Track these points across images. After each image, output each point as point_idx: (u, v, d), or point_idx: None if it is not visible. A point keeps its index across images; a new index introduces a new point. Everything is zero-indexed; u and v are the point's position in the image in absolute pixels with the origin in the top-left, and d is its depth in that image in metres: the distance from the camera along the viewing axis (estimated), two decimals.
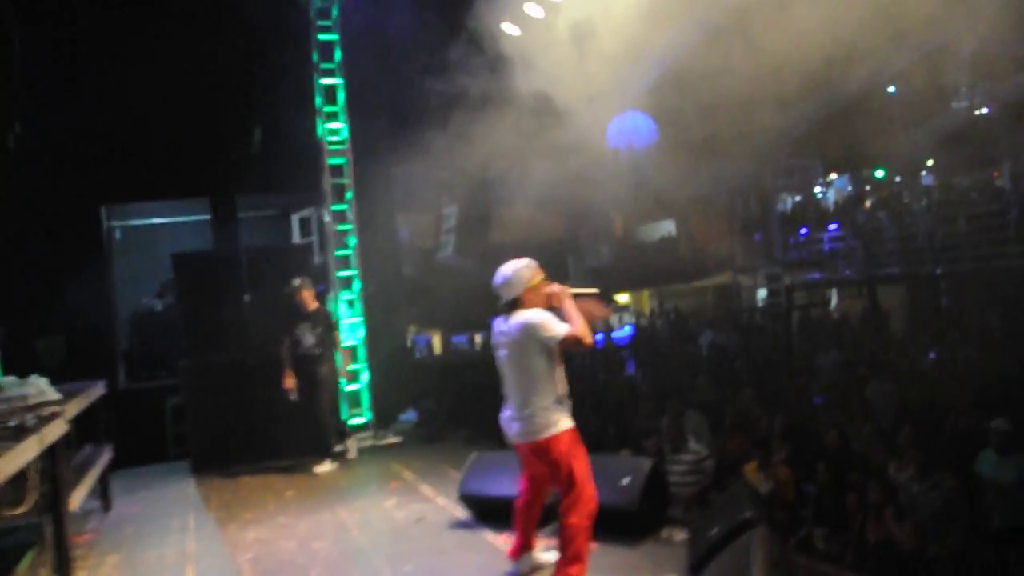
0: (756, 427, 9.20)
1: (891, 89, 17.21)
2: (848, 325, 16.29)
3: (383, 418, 9.67)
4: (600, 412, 11.62)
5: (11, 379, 5.75)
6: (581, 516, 4.25)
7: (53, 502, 5.15)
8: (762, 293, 19.01)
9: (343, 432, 8.55)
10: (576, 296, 4.51)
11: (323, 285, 9.37)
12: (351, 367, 9.28)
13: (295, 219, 12.81)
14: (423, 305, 11.91)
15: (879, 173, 20.41)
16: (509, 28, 8.72)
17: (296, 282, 7.96)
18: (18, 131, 8.64)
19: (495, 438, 9.49)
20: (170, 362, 9.45)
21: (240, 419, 8.42)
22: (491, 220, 12.36)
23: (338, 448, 8.34)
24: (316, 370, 8.01)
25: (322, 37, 9.19)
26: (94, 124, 9.20)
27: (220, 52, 9.33)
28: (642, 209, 22.71)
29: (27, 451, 4.32)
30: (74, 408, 5.69)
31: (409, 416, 9.80)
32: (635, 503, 5.14)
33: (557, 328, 4.26)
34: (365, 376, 9.35)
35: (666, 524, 5.37)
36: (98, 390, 7.04)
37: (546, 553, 4.64)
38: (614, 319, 25.75)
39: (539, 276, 4.44)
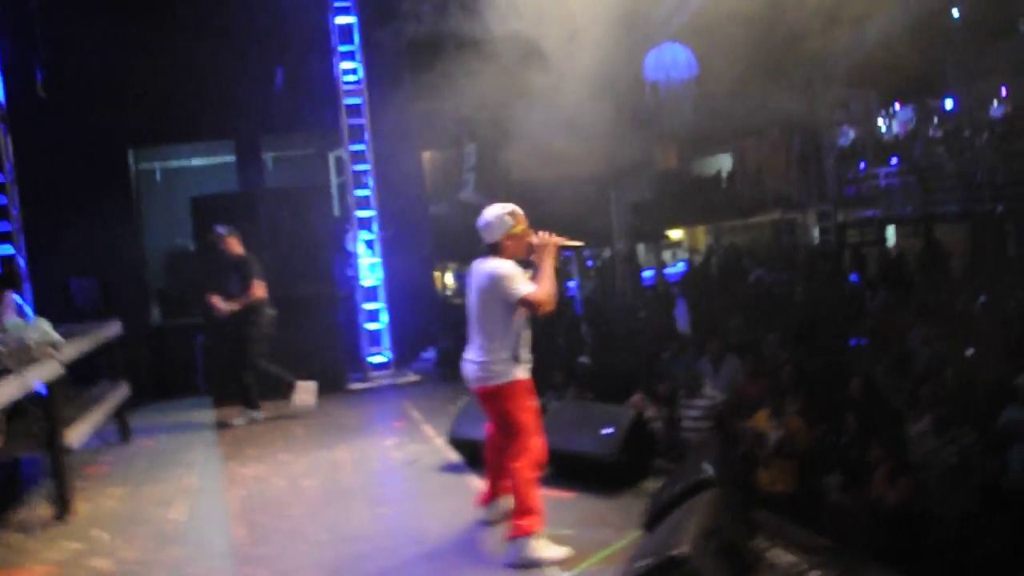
0: (781, 373, 8.99)
1: (955, 12, 16.08)
2: (903, 265, 15.65)
3: (405, 357, 9.77)
4: (634, 352, 11.52)
5: (17, 322, 5.94)
6: (524, 467, 4.22)
7: (51, 438, 5.37)
8: (816, 231, 18.36)
9: (288, 385, 7.99)
10: (560, 247, 4.40)
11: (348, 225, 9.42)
12: (372, 307, 9.36)
13: (331, 158, 12.84)
14: (451, 244, 11.88)
15: (948, 104, 19.27)
16: None
17: (221, 230, 7.80)
18: (45, 76, 8.75)
19: None
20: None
21: None
22: (512, 157, 12.16)
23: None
24: (243, 321, 7.75)
25: None
26: (120, 68, 9.32)
27: None
28: (696, 142, 22.10)
29: (8, 393, 4.47)
30: (73, 350, 5.86)
31: (429, 355, 9.88)
32: (614, 453, 5.09)
33: (519, 286, 4.18)
34: (385, 316, 9.41)
35: (651, 476, 5.31)
36: (113, 329, 7.26)
37: None
38: (667, 255, 25.38)
39: (521, 224, 4.33)
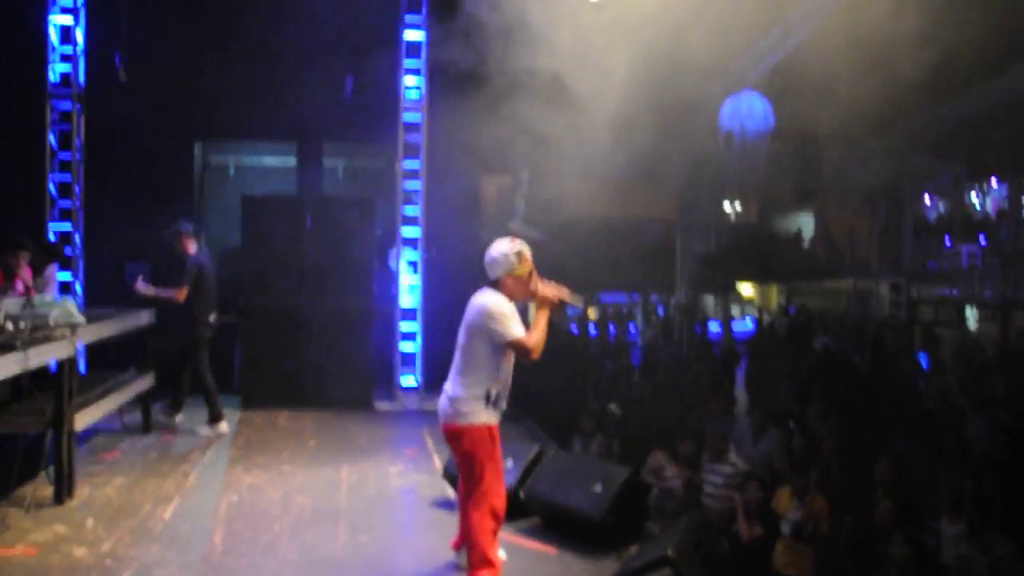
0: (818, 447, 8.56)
1: None
2: (977, 351, 14.86)
3: (436, 382, 9.67)
4: (672, 406, 11.20)
5: (48, 299, 6.07)
6: (482, 518, 4.08)
7: (56, 419, 5.45)
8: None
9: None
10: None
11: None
12: (408, 328, 9.31)
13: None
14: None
15: None
16: None
17: (186, 226, 7.73)
18: (124, 62, 9.05)
19: (541, 418, 9.38)
20: None
21: (288, 362, 8.66)
22: (565, 192, 11.99)
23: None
24: (190, 323, 7.68)
25: None
26: (194, 62, 9.54)
27: None
28: (776, 198, 21.60)
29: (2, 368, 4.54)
30: (91, 334, 5.96)
31: None
32: (601, 512, 4.86)
33: (512, 328, 4.05)
34: (419, 339, 9.35)
35: (641, 541, 5.06)
36: (143, 319, 7.38)
37: None
38: (735, 310, 24.77)
39: (526, 267, 4.18)
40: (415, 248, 9.32)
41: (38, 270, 7.10)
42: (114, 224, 9.35)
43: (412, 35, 9.15)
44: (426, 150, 9.24)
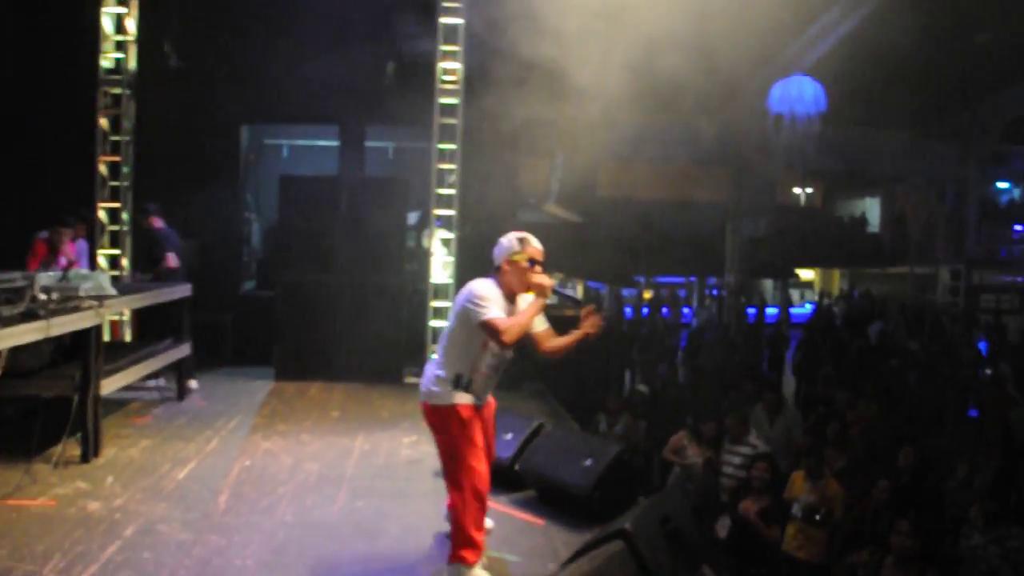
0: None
1: None
2: None
3: None
4: (705, 388, 11.15)
5: (83, 272, 6.47)
6: (461, 499, 4.06)
7: (83, 384, 5.82)
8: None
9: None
10: (556, 292, 4.33)
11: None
12: (439, 304, 9.50)
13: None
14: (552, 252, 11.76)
15: None
16: None
17: (151, 207, 8.14)
18: (172, 52, 9.45)
19: (568, 393, 9.47)
20: None
21: (321, 335, 8.97)
22: (599, 172, 11.92)
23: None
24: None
25: None
26: (241, 47, 9.90)
27: None
28: (839, 182, 21.04)
29: (22, 334, 4.89)
30: (119, 306, 6.31)
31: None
32: (587, 487, 4.96)
33: (486, 310, 3.98)
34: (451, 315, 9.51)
35: None
36: (179, 292, 7.75)
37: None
38: (795, 295, 24.27)
39: (527, 254, 4.14)
40: (449, 227, 9.47)
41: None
42: (162, 203, 9.78)
43: (449, 19, 9.24)
44: (462, 132, 9.35)
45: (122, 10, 9.00)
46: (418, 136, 13.52)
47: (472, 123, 9.47)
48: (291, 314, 9.04)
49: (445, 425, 4.09)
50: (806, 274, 24.26)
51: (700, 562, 3.92)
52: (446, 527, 4.65)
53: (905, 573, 5.49)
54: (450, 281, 9.53)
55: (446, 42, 9.32)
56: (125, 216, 9.14)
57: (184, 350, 7.84)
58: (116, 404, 7.65)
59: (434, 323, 9.53)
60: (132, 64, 9.13)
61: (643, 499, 4.26)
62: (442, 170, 9.38)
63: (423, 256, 9.76)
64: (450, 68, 9.34)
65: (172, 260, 8.18)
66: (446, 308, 9.53)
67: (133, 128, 9.13)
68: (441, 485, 5.54)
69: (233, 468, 5.91)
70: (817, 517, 6.66)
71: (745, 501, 6.83)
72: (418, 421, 7.43)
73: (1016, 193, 19.37)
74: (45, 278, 5.96)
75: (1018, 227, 17.15)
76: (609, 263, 14.83)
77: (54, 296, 5.78)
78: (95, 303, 5.86)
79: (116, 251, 9.11)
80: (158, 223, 8.34)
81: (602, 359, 10.02)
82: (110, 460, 5.99)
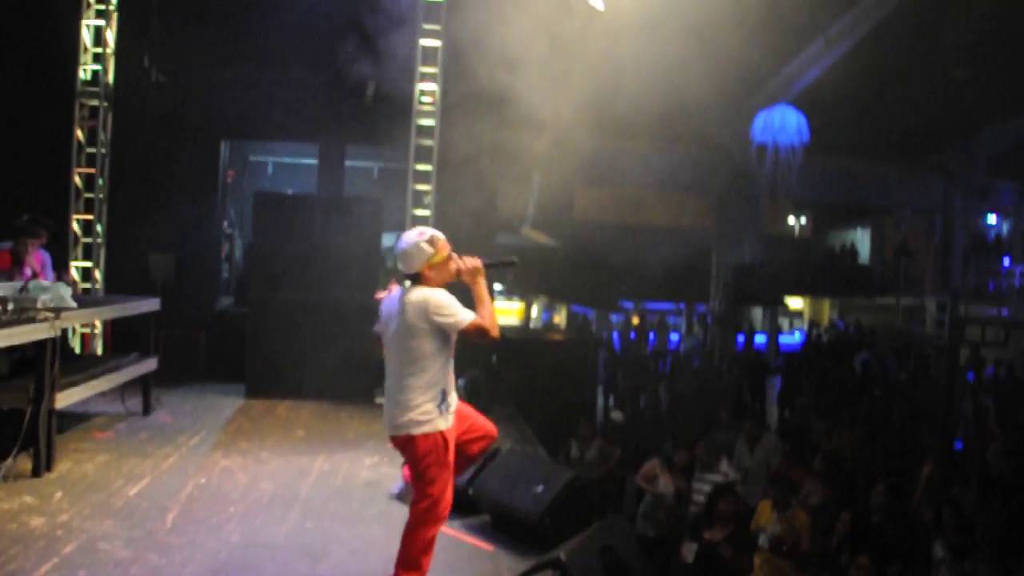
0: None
1: None
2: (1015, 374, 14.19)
3: None
4: (683, 416, 11.09)
5: (43, 283, 6.39)
6: (428, 524, 3.95)
7: (37, 396, 5.73)
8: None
9: None
10: (489, 266, 4.13)
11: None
12: None
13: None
14: (519, 277, 11.79)
15: None
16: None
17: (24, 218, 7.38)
18: (154, 63, 9.45)
19: (540, 420, 9.39)
20: None
21: (292, 353, 8.88)
22: (575, 196, 11.90)
23: None
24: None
25: None
26: (222, 64, 9.91)
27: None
28: (825, 213, 21.11)
29: None
30: (76, 319, 6.25)
31: (460, 383, 9.82)
32: (537, 514, 4.88)
33: (461, 313, 3.85)
34: None
35: None
36: (146, 306, 7.68)
37: None
38: (783, 322, 24.22)
39: (443, 251, 4.01)
40: None
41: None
42: (137, 217, 9.76)
43: (428, 42, 9.26)
44: (439, 153, 9.34)
45: (101, 22, 9.02)
46: (403, 157, 13.59)
47: (447, 144, 9.48)
48: (262, 331, 8.96)
49: (426, 453, 3.92)
50: (795, 303, 24.24)
51: None
52: (397, 487, 4.50)
53: None
54: None
55: (425, 63, 9.33)
56: (99, 228, 9.09)
57: (150, 365, 7.75)
58: (80, 418, 7.58)
59: None
60: (110, 77, 9.14)
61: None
62: (418, 191, 9.36)
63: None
64: (428, 90, 9.35)
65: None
66: None
67: (109, 140, 9.10)
68: (394, 509, 5.48)
69: (187, 485, 5.81)
70: (784, 548, 6.59)
71: (710, 531, 6.74)
72: (383, 441, 7.40)
73: (1004, 227, 19.43)
74: (4, 288, 5.90)
75: (1007, 261, 17.14)
76: (592, 288, 14.80)
77: (10, 307, 5.72)
78: (51, 315, 5.78)
79: (88, 263, 9.05)
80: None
81: (575, 384, 9.96)
82: (62, 475, 5.88)
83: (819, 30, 12.10)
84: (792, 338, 22.88)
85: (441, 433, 3.95)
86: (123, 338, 8.58)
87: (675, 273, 14.93)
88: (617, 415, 9.67)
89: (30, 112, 9.23)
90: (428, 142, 9.31)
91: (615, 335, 20.27)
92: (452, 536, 5.10)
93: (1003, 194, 17.95)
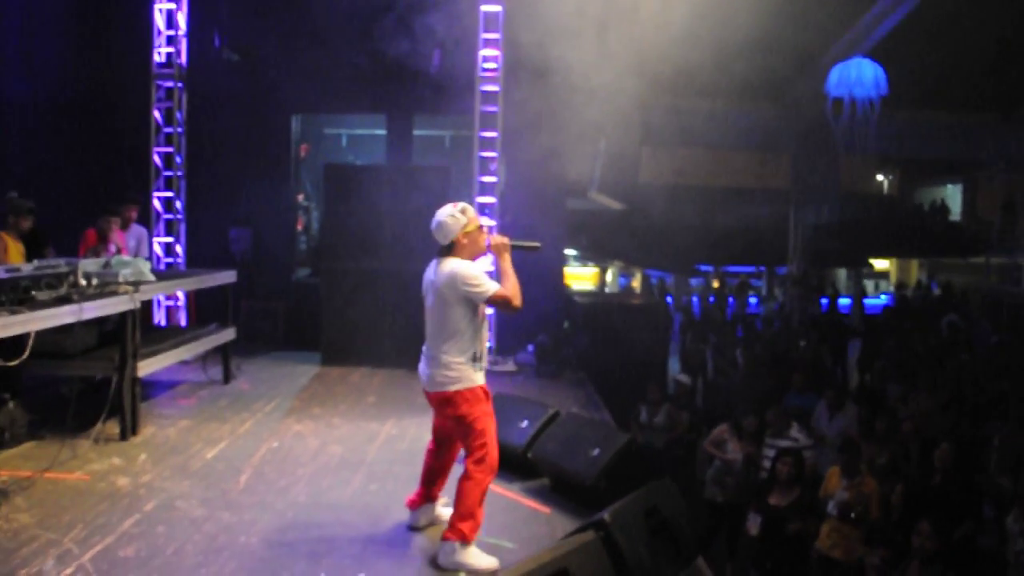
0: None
1: None
2: None
3: (512, 345, 9.91)
4: (755, 381, 10.91)
5: (124, 259, 6.73)
6: (482, 475, 4.19)
7: (121, 365, 6.07)
8: None
9: None
10: (515, 247, 4.40)
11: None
12: None
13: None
14: (591, 243, 11.73)
15: None
16: None
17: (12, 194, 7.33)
18: (223, 42, 9.72)
19: (611, 382, 9.39)
20: None
21: (366, 322, 9.11)
22: (643, 159, 11.68)
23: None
24: None
25: None
26: (289, 39, 10.10)
27: None
28: (913, 169, 20.21)
29: (55, 317, 5.13)
30: (154, 291, 6.55)
31: (529, 349, 9.92)
32: (591, 477, 4.92)
33: (487, 284, 4.15)
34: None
35: None
36: (223, 278, 7.99)
37: (447, 508, 4.56)
38: (869, 285, 23.43)
39: (475, 223, 4.31)
40: (491, 215, 9.50)
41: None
42: (215, 193, 10.11)
43: (490, 7, 9.24)
44: (503, 120, 9.36)
45: (172, 6, 9.31)
46: (471, 125, 13.63)
47: (511, 110, 9.47)
48: (335, 301, 9.21)
49: (469, 407, 4.21)
50: (881, 264, 23.39)
51: (691, 556, 3.84)
52: (410, 517, 4.68)
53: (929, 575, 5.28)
54: (491, 268, 9.56)
55: (487, 30, 9.33)
56: (179, 205, 9.46)
57: (229, 335, 8.08)
58: (166, 386, 7.99)
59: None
60: (183, 58, 9.44)
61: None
62: (484, 158, 9.41)
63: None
64: (490, 55, 9.34)
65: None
66: None
67: (185, 120, 9.43)
68: (454, 470, 5.62)
69: (260, 449, 6.08)
70: (852, 515, 6.48)
71: (772, 495, 6.68)
72: None
73: None
74: (89, 264, 6.24)
75: None
76: (665, 252, 14.64)
77: (94, 282, 6.05)
78: (131, 288, 6.10)
79: (169, 239, 9.45)
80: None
81: (645, 348, 9.90)
82: (147, 438, 6.24)
83: None
84: (879, 300, 22.12)
85: (480, 387, 4.28)
86: (207, 311, 8.93)
87: (751, 236, 14.64)
88: (684, 377, 9.60)
89: (112, 96, 9.64)
90: (492, 108, 9.32)
91: (694, 299, 20.05)
92: (511, 499, 5.22)
93: None
